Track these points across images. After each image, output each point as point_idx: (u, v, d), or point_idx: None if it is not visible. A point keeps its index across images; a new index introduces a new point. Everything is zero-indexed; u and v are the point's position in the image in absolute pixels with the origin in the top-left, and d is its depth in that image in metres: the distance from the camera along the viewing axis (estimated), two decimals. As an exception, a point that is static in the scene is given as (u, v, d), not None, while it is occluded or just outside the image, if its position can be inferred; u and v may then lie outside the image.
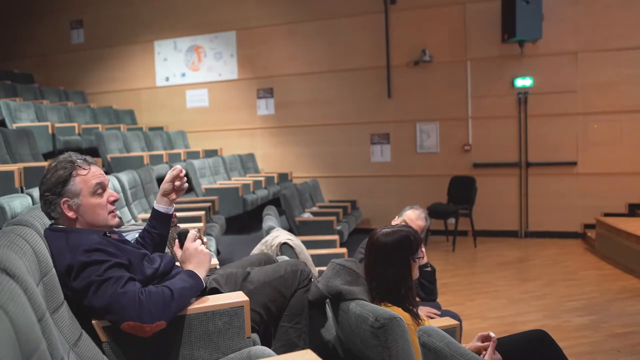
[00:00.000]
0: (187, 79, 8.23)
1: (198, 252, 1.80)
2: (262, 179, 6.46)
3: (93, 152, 5.51)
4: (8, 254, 1.25)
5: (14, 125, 5.21)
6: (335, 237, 4.31)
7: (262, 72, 7.86)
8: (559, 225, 6.71)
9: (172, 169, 2.02)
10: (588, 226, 6.44)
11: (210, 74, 8.12)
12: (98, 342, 1.60)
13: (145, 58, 8.41)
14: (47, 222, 1.73)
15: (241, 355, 1.69)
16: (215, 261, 2.61)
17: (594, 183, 6.57)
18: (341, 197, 7.33)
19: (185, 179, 2.04)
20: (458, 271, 5.39)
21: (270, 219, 3.76)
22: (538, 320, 3.79)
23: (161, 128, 7.99)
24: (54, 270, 1.55)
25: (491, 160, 6.91)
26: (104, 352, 1.60)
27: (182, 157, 6.25)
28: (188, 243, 1.83)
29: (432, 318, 2.43)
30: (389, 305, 1.86)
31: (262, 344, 1.86)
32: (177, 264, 1.90)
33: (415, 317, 1.86)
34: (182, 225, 2.63)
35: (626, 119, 6.40)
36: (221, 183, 6.09)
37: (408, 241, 1.91)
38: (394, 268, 1.89)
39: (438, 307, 2.74)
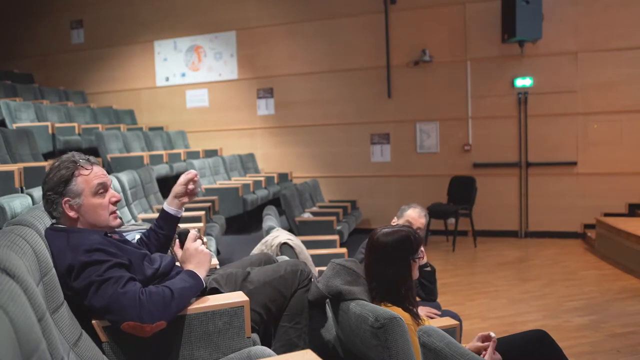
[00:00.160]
0: (187, 79, 8.23)
1: (198, 252, 1.80)
2: (262, 179, 6.46)
3: (93, 152, 5.50)
4: (8, 254, 1.25)
5: (14, 125, 5.20)
6: (335, 237, 4.31)
7: (262, 72, 7.85)
8: (559, 225, 6.71)
9: (187, 172, 2.03)
10: (588, 226, 6.44)
11: (210, 74, 8.12)
12: (98, 342, 1.60)
13: (145, 58, 8.41)
14: (48, 221, 1.73)
15: (241, 355, 1.69)
16: (215, 261, 2.60)
17: (594, 183, 6.57)
18: (341, 197, 7.33)
19: (200, 183, 2.05)
20: (458, 271, 5.38)
21: (270, 219, 3.75)
22: (538, 320, 3.79)
23: (161, 128, 7.98)
24: (54, 270, 1.55)
25: (491, 160, 6.91)
26: (104, 352, 1.60)
27: (182, 157, 6.24)
28: (188, 243, 1.83)
29: (432, 318, 2.43)
30: (389, 305, 1.86)
31: (262, 344, 1.86)
32: (178, 264, 1.90)
33: (415, 317, 1.87)
34: (182, 225, 2.63)
35: (626, 119, 6.40)
36: (221, 183, 6.09)
37: (408, 241, 1.91)
38: (394, 268, 1.89)
39: (438, 307, 2.74)
